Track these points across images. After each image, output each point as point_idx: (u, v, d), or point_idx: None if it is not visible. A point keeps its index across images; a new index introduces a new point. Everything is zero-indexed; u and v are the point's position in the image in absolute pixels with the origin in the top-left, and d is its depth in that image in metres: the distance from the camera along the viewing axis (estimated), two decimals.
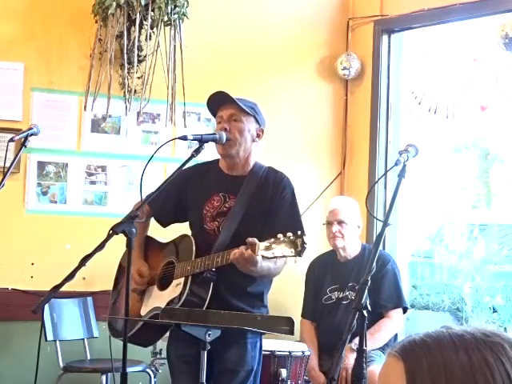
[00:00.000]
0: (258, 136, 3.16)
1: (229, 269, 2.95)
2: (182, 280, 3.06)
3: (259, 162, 3.20)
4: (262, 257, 2.77)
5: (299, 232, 2.71)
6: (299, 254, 2.68)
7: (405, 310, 4.34)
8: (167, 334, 3.26)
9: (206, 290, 3.00)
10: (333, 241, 4.33)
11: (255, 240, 2.77)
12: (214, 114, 3.18)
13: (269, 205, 3.08)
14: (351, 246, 4.36)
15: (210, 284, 3.00)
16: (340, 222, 4.30)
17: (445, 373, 1.09)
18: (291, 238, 2.70)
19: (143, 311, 3.20)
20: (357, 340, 2.39)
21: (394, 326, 4.26)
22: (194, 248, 3.08)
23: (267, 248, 2.73)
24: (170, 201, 3.26)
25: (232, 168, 3.18)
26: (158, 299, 3.15)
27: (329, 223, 4.34)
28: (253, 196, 3.11)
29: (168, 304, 3.05)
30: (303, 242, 2.67)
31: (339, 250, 4.36)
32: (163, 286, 3.19)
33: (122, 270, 3.41)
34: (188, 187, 3.24)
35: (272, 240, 2.73)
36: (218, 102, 3.13)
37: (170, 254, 3.25)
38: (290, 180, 3.18)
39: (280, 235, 2.72)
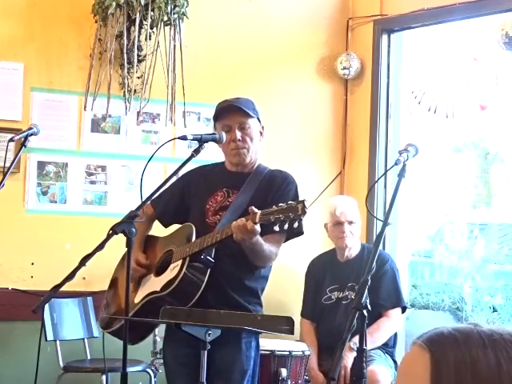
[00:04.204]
0: (261, 134, 3.20)
1: (227, 259, 2.98)
2: (179, 262, 3.04)
3: (262, 164, 3.23)
4: (263, 218, 2.76)
5: (301, 199, 2.75)
6: (299, 217, 2.70)
7: (403, 310, 4.34)
8: (162, 332, 3.24)
9: (204, 272, 2.98)
10: (342, 241, 4.30)
11: (256, 210, 2.79)
12: (217, 117, 3.19)
13: (272, 199, 3.08)
14: (356, 245, 4.38)
15: (207, 268, 2.99)
16: (351, 222, 4.31)
17: (471, 370, 1.08)
18: (292, 204, 2.72)
19: (137, 299, 3.15)
20: (356, 339, 2.38)
21: (393, 326, 4.26)
22: (194, 231, 3.07)
23: (267, 214, 2.76)
24: (173, 200, 3.28)
25: (239, 167, 3.20)
26: (154, 284, 3.11)
27: (339, 223, 4.31)
28: (256, 190, 3.12)
29: (164, 286, 3.00)
30: (304, 207, 2.69)
31: (345, 250, 4.34)
32: (160, 273, 3.15)
33: (115, 281, 3.40)
34: (192, 186, 3.26)
35: (274, 208, 2.75)
36: (224, 109, 3.15)
37: (169, 243, 3.23)
38: (294, 178, 3.20)
39: (281, 203, 2.75)
